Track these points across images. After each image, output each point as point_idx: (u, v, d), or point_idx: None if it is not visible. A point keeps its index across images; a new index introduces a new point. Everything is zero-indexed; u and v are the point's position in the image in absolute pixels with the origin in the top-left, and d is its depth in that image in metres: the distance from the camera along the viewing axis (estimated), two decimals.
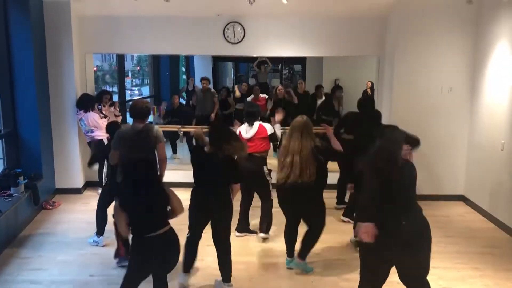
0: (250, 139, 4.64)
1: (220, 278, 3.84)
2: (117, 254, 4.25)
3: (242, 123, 4.89)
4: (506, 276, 4.13)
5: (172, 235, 3.09)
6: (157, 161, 4.16)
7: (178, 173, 6.04)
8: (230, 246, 3.79)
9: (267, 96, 8.55)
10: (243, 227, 4.95)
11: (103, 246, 4.66)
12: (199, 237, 3.85)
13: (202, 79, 8.69)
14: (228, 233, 3.78)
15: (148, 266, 3.09)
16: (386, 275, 3.06)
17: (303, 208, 4.07)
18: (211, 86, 9.41)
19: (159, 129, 4.28)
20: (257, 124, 4.72)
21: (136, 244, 3.05)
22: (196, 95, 8.71)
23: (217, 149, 3.59)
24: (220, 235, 3.75)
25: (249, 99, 8.38)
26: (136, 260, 3.08)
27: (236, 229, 4.86)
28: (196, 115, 8.47)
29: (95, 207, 5.98)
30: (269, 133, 4.73)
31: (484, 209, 5.67)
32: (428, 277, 3.99)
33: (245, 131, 4.72)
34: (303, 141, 3.88)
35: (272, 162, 5.04)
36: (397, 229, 2.85)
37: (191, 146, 7.50)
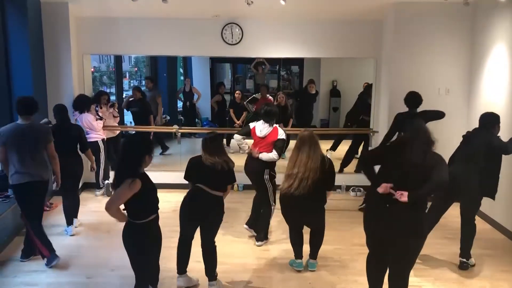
0: (262, 138, 4.63)
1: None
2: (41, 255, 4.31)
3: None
4: (503, 277, 4.14)
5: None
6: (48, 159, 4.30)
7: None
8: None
9: (271, 98, 8.41)
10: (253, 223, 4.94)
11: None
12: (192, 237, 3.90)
13: (145, 78, 8.70)
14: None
15: None
16: (385, 249, 3.24)
17: (307, 217, 4.16)
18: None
19: (47, 126, 4.33)
20: (273, 126, 4.67)
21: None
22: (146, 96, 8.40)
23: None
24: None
25: (257, 94, 8.42)
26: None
27: (246, 223, 4.92)
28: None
29: (92, 209, 6.00)
30: (278, 137, 4.64)
31: (481, 210, 5.66)
32: (425, 278, 4.03)
33: (259, 129, 4.65)
34: (311, 154, 3.92)
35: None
36: (384, 211, 3.08)
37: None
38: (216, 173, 3.68)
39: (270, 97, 8.48)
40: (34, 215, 4.25)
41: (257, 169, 4.65)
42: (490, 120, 4.27)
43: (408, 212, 3.05)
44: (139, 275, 3.22)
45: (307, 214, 4.09)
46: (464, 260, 4.30)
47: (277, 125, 4.74)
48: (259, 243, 4.78)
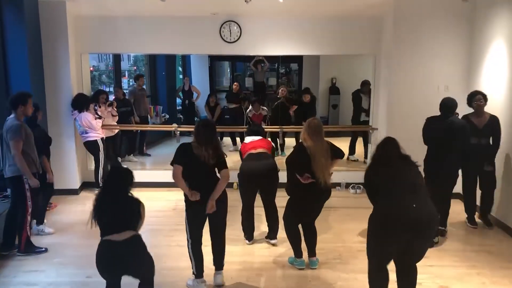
0: (254, 141, 4.75)
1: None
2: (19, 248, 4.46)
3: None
4: (503, 274, 4.14)
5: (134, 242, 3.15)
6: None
7: None
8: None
9: (266, 110, 8.24)
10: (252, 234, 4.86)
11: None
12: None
13: (138, 76, 8.52)
14: None
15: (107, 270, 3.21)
16: (392, 258, 3.27)
17: (318, 209, 4.16)
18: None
19: (14, 124, 4.26)
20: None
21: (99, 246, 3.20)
22: (133, 95, 8.24)
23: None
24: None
25: (250, 111, 8.21)
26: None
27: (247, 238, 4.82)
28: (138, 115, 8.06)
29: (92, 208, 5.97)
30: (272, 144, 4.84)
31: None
32: (425, 275, 4.03)
33: (248, 139, 4.87)
34: (323, 141, 3.95)
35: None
36: (407, 212, 3.05)
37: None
38: (205, 165, 3.61)
39: (264, 110, 8.26)
40: (19, 207, 4.43)
41: (271, 166, 4.59)
42: (453, 106, 4.75)
43: (431, 207, 3.18)
44: (150, 280, 3.29)
45: (322, 204, 4.11)
46: (443, 228, 4.90)
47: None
48: (274, 241, 4.74)
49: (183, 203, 3.75)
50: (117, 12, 6.47)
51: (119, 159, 7.41)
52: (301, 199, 4.05)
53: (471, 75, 6.03)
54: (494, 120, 5.00)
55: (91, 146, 6.26)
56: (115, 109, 7.00)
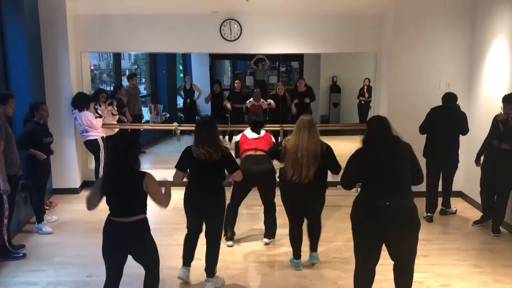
0: (258, 138, 4.65)
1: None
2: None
3: None
4: (505, 272, 4.12)
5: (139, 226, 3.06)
6: None
7: None
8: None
9: (267, 104, 8.13)
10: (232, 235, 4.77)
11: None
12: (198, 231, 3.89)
13: (132, 75, 8.45)
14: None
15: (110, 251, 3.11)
16: (376, 254, 3.16)
17: (310, 204, 4.08)
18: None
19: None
20: (263, 131, 4.75)
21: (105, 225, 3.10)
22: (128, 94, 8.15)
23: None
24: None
25: (249, 102, 8.18)
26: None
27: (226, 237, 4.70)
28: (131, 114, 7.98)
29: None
30: (273, 140, 4.76)
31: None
32: (427, 274, 4.02)
33: (249, 134, 4.70)
34: (311, 138, 3.86)
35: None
36: (383, 209, 3.00)
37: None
38: (206, 164, 3.59)
39: (265, 103, 8.12)
40: None
41: (269, 168, 4.54)
42: (454, 96, 5.26)
43: (408, 204, 3.07)
44: (156, 269, 3.26)
45: (311, 200, 4.01)
46: (445, 209, 5.48)
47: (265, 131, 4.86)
48: (267, 240, 4.72)
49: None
50: (117, 11, 6.45)
51: None
52: (284, 192, 4.07)
53: (473, 73, 6.00)
54: None
55: (91, 145, 6.25)
56: (115, 108, 6.98)
